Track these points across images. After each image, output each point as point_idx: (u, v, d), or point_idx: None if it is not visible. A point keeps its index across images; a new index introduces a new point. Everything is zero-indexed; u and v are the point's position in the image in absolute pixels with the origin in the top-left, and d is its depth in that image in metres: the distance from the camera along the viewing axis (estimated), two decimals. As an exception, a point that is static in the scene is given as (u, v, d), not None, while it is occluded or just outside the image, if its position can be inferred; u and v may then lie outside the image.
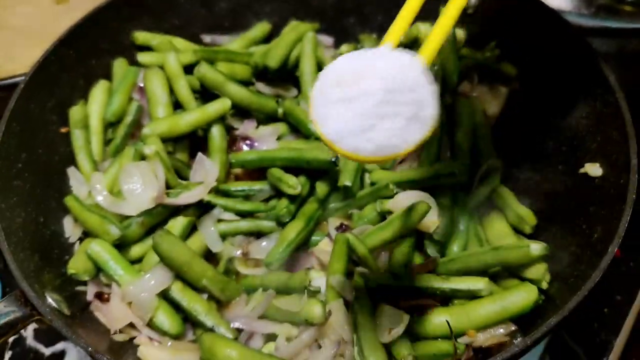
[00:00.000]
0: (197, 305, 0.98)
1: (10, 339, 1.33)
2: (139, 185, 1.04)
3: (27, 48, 1.23)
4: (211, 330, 0.97)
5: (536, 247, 0.97)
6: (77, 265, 1.01)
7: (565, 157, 1.10)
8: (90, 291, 1.02)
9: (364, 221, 1.09)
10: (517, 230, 1.12)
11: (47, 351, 1.33)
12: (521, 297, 0.94)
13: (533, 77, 1.21)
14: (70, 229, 1.09)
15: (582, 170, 1.04)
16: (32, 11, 1.39)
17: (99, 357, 0.76)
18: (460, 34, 1.28)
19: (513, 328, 0.94)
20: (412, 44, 1.25)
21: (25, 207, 1.01)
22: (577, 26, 1.52)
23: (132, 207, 1.03)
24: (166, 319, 0.97)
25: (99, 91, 1.22)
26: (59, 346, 1.33)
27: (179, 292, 0.99)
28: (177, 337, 0.98)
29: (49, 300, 0.86)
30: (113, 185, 1.10)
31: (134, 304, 0.97)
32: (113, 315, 0.99)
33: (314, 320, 0.93)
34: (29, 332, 1.36)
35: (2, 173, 0.97)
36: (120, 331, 0.99)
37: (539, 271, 0.98)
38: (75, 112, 1.17)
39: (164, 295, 0.99)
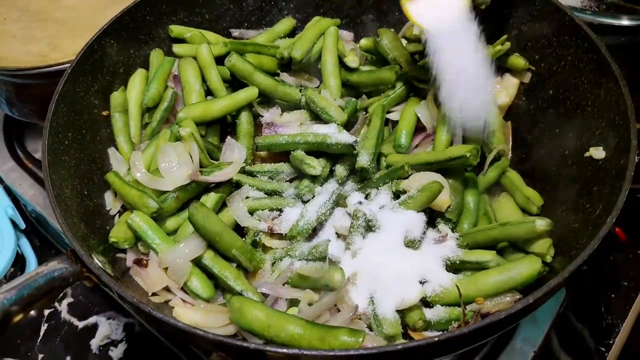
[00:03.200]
0: (226, 272, 1.04)
1: (46, 313, 1.42)
2: (175, 164, 1.12)
3: (71, 39, 1.32)
4: (240, 294, 1.02)
5: (541, 223, 1.03)
6: (117, 235, 1.08)
7: (571, 142, 1.16)
8: (130, 258, 1.09)
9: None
10: (525, 211, 1.18)
11: (80, 324, 1.41)
12: (526, 267, 1.00)
13: (542, 68, 1.27)
14: (111, 202, 1.17)
15: (587, 155, 1.10)
16: (76, 4, 1.46)
17: (143, 307, 0.83)
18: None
19: (518, 296, 1.01)
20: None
21: (72, 181, 1.10)
22: (588, 23, 1.59)
23: (169, 183, 1.11)
24: (199, 284, 1.04)
25: (137, 79, 1.30)
26: (92, 320, 1.41)
27: (210, 260, 1.05)
28: (208, 300, 1.04)
29: (96, 261, 0.94)
30: (150, 164, 1.17)
31: (170, 270, 1.03)
32: (150, 279, 1.05)
33: (334, 286, 0.99)
34: (63, 306, 1.44)
35: (52, 149, 1.06)
36: (156, 294, 1.06)
37: (544, 246, 1.04)
38: (115, 98, 1.25)
39: (197, 263, 1.05)
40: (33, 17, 1.46)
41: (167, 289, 1.06)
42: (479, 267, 1.05)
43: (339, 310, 1.01)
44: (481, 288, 1.01)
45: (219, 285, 1.07)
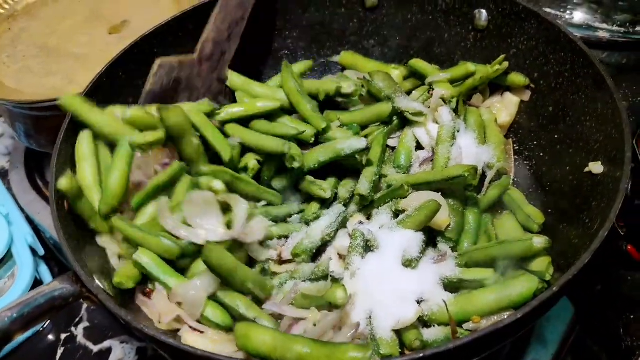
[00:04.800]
0: (237, 301, 1.04)
1: (63, 337, 1.46)
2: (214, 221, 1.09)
3: (85, 72, 1.38)
4: (253, 322, 1.01)
5: (538, 241, 1.02)
6: (122, 275, 1.05)
7: (572, 158, 1.16)
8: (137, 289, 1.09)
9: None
10: (527, 229, 1.17)
11: (95, 348, 1.43)
12: (522, 286, 0.98)
13: (541, 85, 1.28)
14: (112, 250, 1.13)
15: (586, 170, 1.10)
16: (89, 40, 1.54)
17: (140, 327, 0.85)
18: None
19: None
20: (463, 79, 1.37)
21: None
22: (596, 40, 1.59)
23: (204, 235, 1.08)
24: (216, 313, 1.04)
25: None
26: (106, 344, 1.43)
27: (221, 291, 1.05)
28: (229, 328, 1.04)
29: (97, 282, 0.97)
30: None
31: (185, 303, 1.03)
32: (157, 308, 1.04)
33: (337, 303, 0.99)
34: (79, 331, 1.47)
35: (59, 176, 1.08)
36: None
37: (542, 264, 1.03)
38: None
39: (209, 295, 1.05)
40: (50, 53, 1.53)
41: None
42: (478, 285, 1.04)
43: (340, 329, 1.01)
44: (477, 306, 1.00)
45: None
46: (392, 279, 1.06)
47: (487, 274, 1.04)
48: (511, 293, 0.99)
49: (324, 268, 1.07)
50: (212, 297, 1.06)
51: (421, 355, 0.76)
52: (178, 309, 1.04)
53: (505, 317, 0.97)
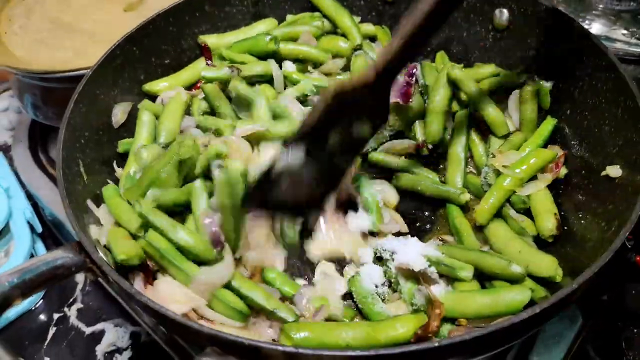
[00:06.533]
0: (255, 292, 1.03)
1: (55, 317, 1.43)
2: None
3: (98, 48, 1.34)
4: (272, 313, 1.01)
5: (516, 268, 1.02)
6: (126, 251, 1.01)
7: (589, 162, 1.15)
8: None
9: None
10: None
11: (87, 330, 1.40)
12: (512, 296, 0.98)
13: (560, 88, 1.26)
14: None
15: (603, 173, 1.08)
16: (104, 17, 1.52)
17: (144, 300, 0.83)
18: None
19: None
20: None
21: (84, 178, 1.12)
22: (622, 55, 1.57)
23: None
24: (233, 300, 1.02)
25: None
26: (99, 326, 1.40)
27: (238, 281, 1.04)
28: (247, 316, 1.03)
29: (100, 253, 0.95)
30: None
31: (204, 290, 1.01)
32: (165, 295, 1.00)
33: None
34: (72, 312, 1.44)
35: (67, 145, 1.08)
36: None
37: (550, 267, 1.02)
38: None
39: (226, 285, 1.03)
40: (63, 27, 1.51)
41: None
42: (454, 276, 1.05)
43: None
44: (465, 307, 0.99)
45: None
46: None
47: (467, 269, 1.04)
48: (500, 301, 0.98)
49: None
50: (230, 287, 1.03)
51: (436, 344, 0.74)
52: (192, 295, 1.01)
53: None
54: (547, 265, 1.03)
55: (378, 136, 1.32)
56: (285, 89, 1.37)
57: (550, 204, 1.15)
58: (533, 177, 1.19)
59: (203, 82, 1.33)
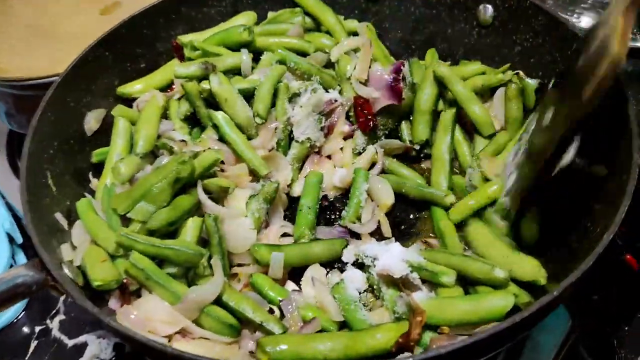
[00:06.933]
0: (244, 305, 1.00)
1: (37, 329, 1.40)
2: None
3: (74, 53, 1.32)
4: (260, 326, 0.98)
5: (500, 272, 1.00)
6: (101, 277, 0.96)
7: (574, 161, 1.10)
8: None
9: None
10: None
11: (70, 342, 1.38)
12: (495, 302, 0.95)
13: (546, 84, 1.22)
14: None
15: (589, 172, 1.04)
16: (80, 21, 1.49)
17: (107, 320, 0.79)
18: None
19: None
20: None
21: (52, 190, 1.08)
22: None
23: None
24: (222, 315, 0.99)
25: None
26: (82, 338, 1.38)
27: (227, 294, 1.01)
28: (237, 331, 1.00)
29: (65, 270, 0.92)
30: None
31: (185, 307, 0.97)
32: (146, 315, 0.97)
33: None
34: (54, 324, 1.42)
35: (34, 156, 1.05)
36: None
37: (532, 271, 1.00)
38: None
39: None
40: (39, 34, 1.49)
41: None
42: (437, 279, 1.02)
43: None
44: (446, 315, 0.96)
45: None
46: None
47: (450, 274, 1.02)
48: (482, 308, 0.95)
49: None
50: (218, 302, 1.00)
51: (422, 357, 0.70)
52: (177, 314, 0.98)
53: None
54: (531, 268, 1.01)
55: (371, 136, 1.31)
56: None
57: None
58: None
59: (182, 81, 1.25)
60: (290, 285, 1.11)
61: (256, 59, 1.33)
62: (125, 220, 1.05)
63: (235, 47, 1.33)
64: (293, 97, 1.26)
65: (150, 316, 0.97)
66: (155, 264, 0.99)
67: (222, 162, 1.17)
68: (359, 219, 1.20)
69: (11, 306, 0.89)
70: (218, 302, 1.00)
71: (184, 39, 1.36)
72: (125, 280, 0.99)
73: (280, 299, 1.03)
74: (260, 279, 1.07)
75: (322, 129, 1.27)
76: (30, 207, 0.94)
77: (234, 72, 1.30)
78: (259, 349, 0.92)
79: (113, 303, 0.99)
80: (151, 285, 0.97)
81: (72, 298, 0.84)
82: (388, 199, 1.21)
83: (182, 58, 1.35)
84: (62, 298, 1.44)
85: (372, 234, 1.19)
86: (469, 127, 1.30)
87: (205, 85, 1.21)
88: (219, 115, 1.19)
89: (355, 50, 1.36)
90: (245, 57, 1.29)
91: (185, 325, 0.96)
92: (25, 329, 1.40)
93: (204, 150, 1.13)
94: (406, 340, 0.90)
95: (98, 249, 1.02)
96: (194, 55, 1.31)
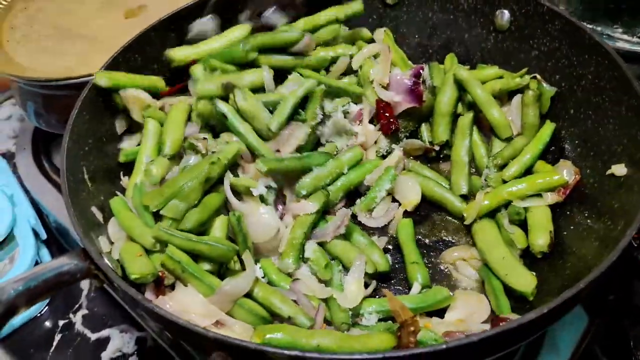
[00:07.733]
0: (272, 297, 1.03)
1: (60, 323, 1.43)
2: None
3: (99, 55, 1.35)
4: (288, 319, 1.01)
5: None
6: (139, 270, 0.99)
7: (593, 161, 1.15)
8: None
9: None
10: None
11: (93, 336, 1.40)
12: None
13: (563, 88, 1.26)
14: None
15: (609, 172, 1.08)
16: (104, 23, 1.52)
17: (150, 306, 0.82)
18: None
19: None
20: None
21: (89, 186, 1.12)
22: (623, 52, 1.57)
23: None
24: (254, 307, 1.02)
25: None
26: (105, 332, 1.40)
27: (256, 288, 1.04)
28: (268, 322, 1.03)
29: (106, 260, 0.95)
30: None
31: (218, 300, 1.01)
32: (182, 306, 0.99)
33: None
34: (77, 318, 1.44)
35: (71, 153, 1.08)
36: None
37: (527, 285, 1.04)
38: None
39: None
40: (65, 34, 1.52)
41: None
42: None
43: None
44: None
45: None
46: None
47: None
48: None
49: None
50: (249, 295, 1.03)
51: (444, 347, 0.73)
52: (211, 306, 1.00)
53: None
54: (527, 281, 1.04)
55: (393, 138, 1.35)
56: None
57: (547, 221, 1.14)
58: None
59: (194, 100, 1.26)
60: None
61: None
62: (156, 218, 1.09)
63: (237, 64, 1.31)
64: (325, 118, 1.28)
65: (186, 308, 1.00)
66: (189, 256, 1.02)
67: (242, 158, 1.20)
68: (369, 212, 1.24)
69: (56, 293, 0.92)
70: (248, 295, 1.03)
71: (175, 54, 1.33)
72: (160, 274, 1.02)
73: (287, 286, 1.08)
74: (266, 264, 1.12)
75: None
76: (72, 201, 0.97)
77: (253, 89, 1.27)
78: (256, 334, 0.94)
79: (149, 295, 1.02)
80: (187, 277, 1.00)
81: (117, 285, 0.86)
82: (415, 198, 1.24)
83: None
84: (84, 293, 1.46)
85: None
86: (486, 129, 1.33)
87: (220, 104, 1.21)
88: (224, 108, 1.19)
89: (375, 55, 1.39)
90: (266, 73, 1.27)
91: (220, 317, 0.99)
92: (49, 323, 1.42)
93: (227, 143, 1.17)
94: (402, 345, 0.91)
95: (134, 244, 1.05)
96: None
